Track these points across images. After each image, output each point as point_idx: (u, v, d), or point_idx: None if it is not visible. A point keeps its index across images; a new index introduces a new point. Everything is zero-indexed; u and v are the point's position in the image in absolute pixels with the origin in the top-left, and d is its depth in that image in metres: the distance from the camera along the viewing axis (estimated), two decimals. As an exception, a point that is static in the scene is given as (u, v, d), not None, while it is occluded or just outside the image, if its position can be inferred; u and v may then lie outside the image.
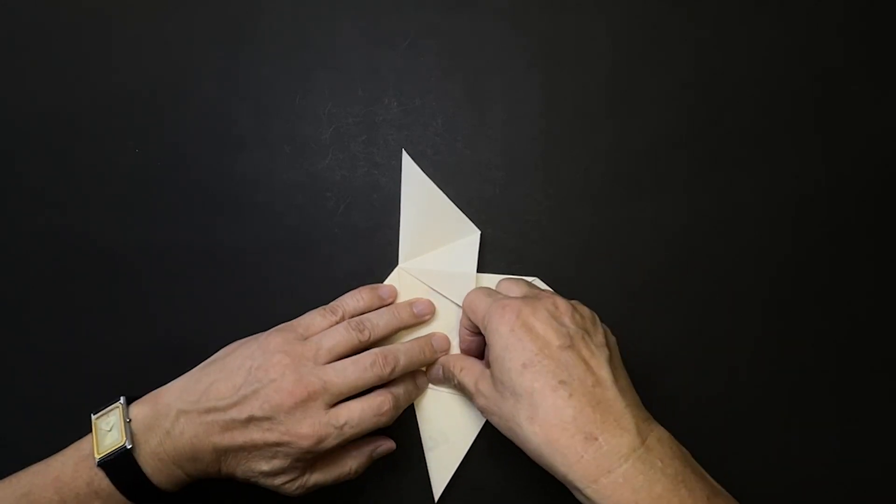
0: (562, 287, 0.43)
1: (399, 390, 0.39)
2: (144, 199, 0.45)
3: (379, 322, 0.40)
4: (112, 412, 0.36)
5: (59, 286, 0.45)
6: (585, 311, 0.37)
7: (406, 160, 0.42)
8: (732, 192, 0.44)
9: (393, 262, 0.44)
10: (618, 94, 0.44)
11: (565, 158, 0.44)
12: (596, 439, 0.32)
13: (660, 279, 0.44)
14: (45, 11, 0.46)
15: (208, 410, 0.35)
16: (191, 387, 0.36)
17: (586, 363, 0.34)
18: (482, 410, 0.37)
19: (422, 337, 0.42)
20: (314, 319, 0.39)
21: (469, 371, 0.39)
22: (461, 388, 0.39)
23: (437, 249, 0.43)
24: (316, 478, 0.38)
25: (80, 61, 0.45)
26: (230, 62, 0.45)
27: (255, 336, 0.38)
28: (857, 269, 0.44)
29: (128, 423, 0.35)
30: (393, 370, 0.38)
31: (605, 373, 0.34)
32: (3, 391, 0.45)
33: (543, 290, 0.40)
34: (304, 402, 0.35)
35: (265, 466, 0.36)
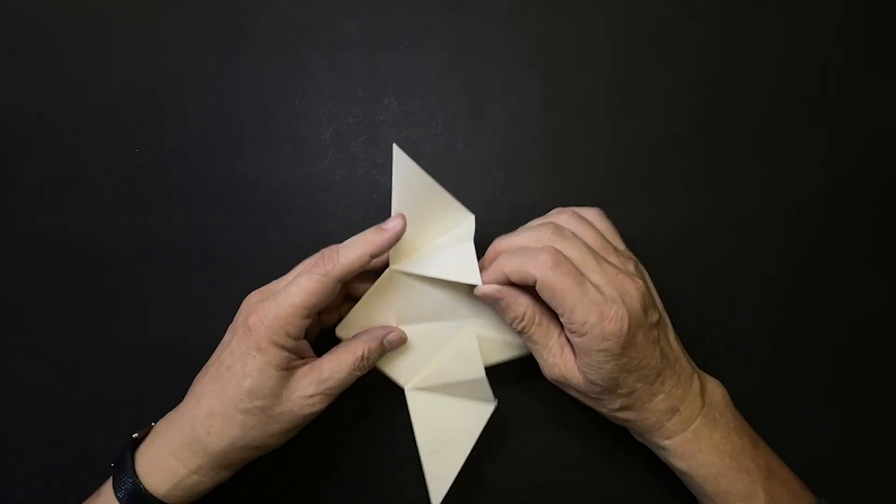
0: (562, 287, 0.43)
1: (370, 343, 0.38)
2: (144, 199, 0.45)
3: (341, 248, 0.36)
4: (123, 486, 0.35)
5: (58, 286, 0.45)
6: (645, 276, 0.38)
7: (398, 153, 0.38)
8: (732, 192, 0.44)
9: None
10: (618, 94, 0.44)
11: (565, 158, 0.44)
12: (678, 411, 0.36)
13: (659, 279, 0.44)
14: (45, 11, 0.46)
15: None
16: (176, 435, 0.36)
17: (669, 350, 0.37)
18: (551, 378, 0.37)
19: (367, 229, 0.37)
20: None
21: (547, 333, 0.37)
22: (527, 342, 0.38)
23: (431, 242, 0.40)
24: (329, 369, 0.36)
25: (80, 61, 0.45)
26: (230, 62, 0.45)
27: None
28: (856, 268, 0.44)
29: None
30: (333, 268, 0.35)
31: (676, 346, 0.37)
32: (2, 391, 0.45)
33: (593, 243, 0.37)
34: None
35: (246, 381, 0.35)
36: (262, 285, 0.44)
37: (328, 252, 0.36)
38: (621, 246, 0.39)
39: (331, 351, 0.37)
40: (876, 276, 0.44)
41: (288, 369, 0.35)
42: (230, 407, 0.35)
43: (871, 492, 0.43)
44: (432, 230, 0.40)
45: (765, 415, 0.43)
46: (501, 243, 0.38)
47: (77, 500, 0.44)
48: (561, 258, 0.35)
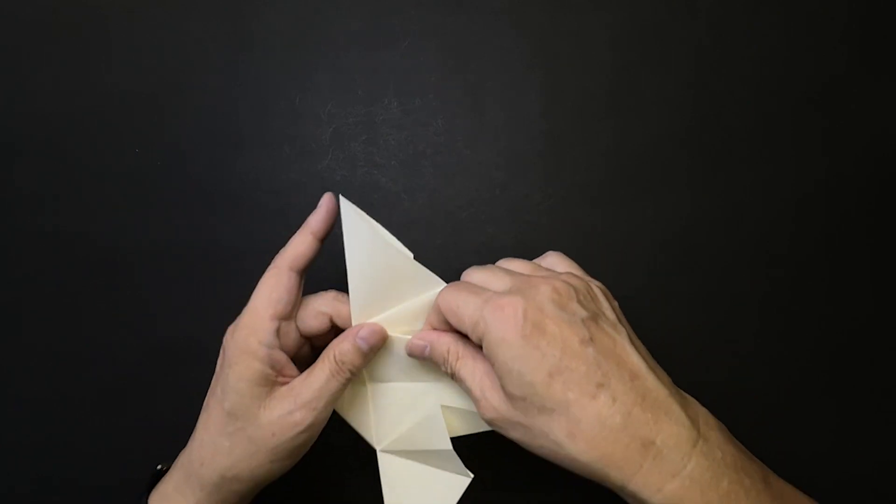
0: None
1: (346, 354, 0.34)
2: (144, 199, 0.45)
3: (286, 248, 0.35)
4: None
5: (58, 286, 0.45)
6: (580, 283, 0.32)
7: (345, 204, 0.34)
8: (733, 191, 0.44)
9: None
10: (618, 94, 0.44)
11: (565, 158, 0.44)
12: (653, 443, 0.28)
13: (660, 279, 0.44)
14: (45, 11, 0.46)
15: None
16: (179, 470, 0.35)
17: (614, 355, 0.30)
18: (491, 424, 0.32)
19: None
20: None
21: (471, 365, 0.32)
22: (458, 382, 0.33)
23: (396, 307, 0.35)
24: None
25: (80, 61, 0.45)
26: (230, 62, 0.45)
27: None
28: (857, 268, 0.44)
29: None
30: (283, 251, 0.35)
31: (635, 359, 0.30)
32: (2, 391, 0.45)
33: (521, 269, 0.34)
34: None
35: (242, 383, 0.33)
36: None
37: (281, 250, 0.36)
38: (577, 272, 0.35)
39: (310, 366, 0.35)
40: (877, 275, 0.44)
41: (265, 386, 0.33)
42: (216, 434, 0.33)
43: (872, 492, 0.43)
44: (396, 293, 0.35)
45: (766, 414, 0.43)
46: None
47: (77, 500, 0.44)
48: (459, 283, 0.34)
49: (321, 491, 0.44)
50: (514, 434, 0.31)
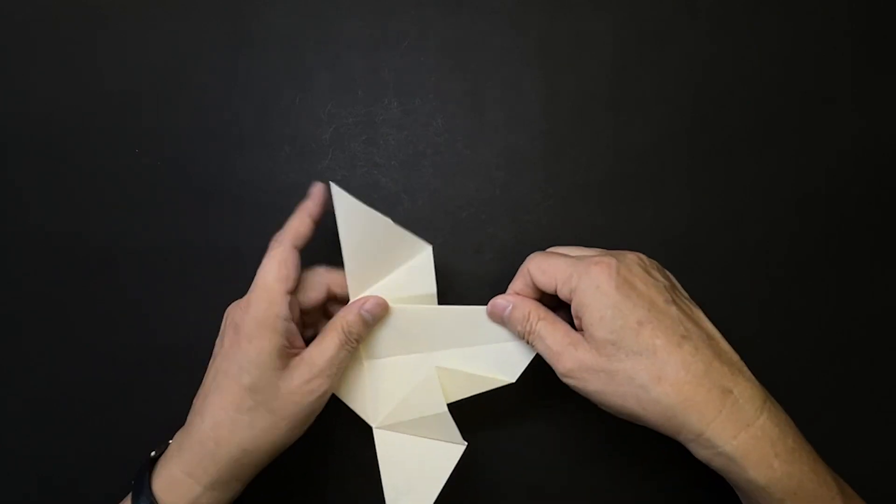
0: (562, 287, 0.43)
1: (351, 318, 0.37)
2: (144, 199, 0.45)
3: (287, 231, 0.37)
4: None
5: (57, 286, 0.45)
6: (645, 257, 0.36)
7: (336, 190, 0.36)
8: (733, 191, 0.44)
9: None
10: (618, 94, 0.44)
11: (565, 158, 0.44)
12: (731, 392, 0.31)
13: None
14: (45, 11, 0.46)
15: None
16: (186, 454, 0.35)
17: (694, 318, 0.33)
18: (569, 375, 0.34)
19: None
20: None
21: (552, 325, 0.35)
22: (534, 341, 0.36)
23: (388, 276, 0.39)
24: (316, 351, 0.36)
25: (80, 61, 0.45)
26: (230, 62, 0.45)
27: None
28: (857, 268, 0.44)
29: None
30: (282, 231, 0.37)
31: (710, 325, 0.34)
32: (2, 392, 0.45)
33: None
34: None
35: (245, 378, 0.34)
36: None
37: (279, 232, 0.37)
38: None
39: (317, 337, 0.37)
40: (879, 275, 0.44)
41: (283, 358, 0.35)
42: (234, 411, 0.34)
43: (873, 492, 0.43)
44: (387, 264, 0.38)
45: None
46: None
47: (77, 501, 0.44)
48: (546, 251, 0.37)
49: (322, 488, 0.44)
50: (594, 384, 0.33)
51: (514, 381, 0.38)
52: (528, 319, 0.36)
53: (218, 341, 0.37)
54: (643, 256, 0.36)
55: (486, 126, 0.44)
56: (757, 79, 0.44)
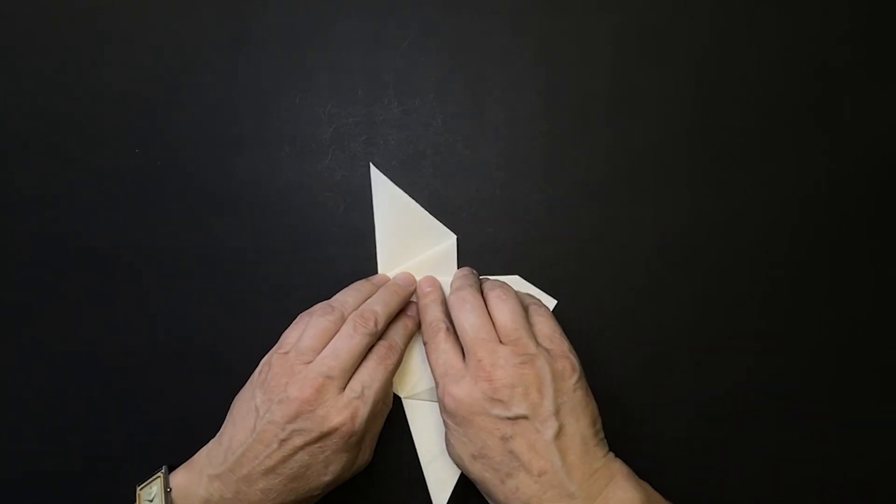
0: (562, 287, 0.43)
1: (392, 333, 0.40)
2: (144, 199, 0.45)
3: (378, 307, 0.39)
4: (154, 482, 0.36)
5: (58, 286, 0.45)
6: (546, 369, 0.36)
7: (374, 173, 0.43)
8: (733, 191, 0.44)
9: (393, 262, 0.43)
10: (618, 94, 0.44)
11: (565, 158, 0.44)
12: None
13: (660, 279, 0.44)
14: (45, 11, 0.46)
15: (237, 465, 0.35)
16: (214, 449, 0.37)
17: (528, 454, 0.34)
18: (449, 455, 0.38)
19: (389, 282, 0.42)
20: (308, 325, 0.38)
21: (444, 369, 0.38)
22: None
23: (414, 259, 0.43)
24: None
25: (80, 61, 0.45)
26: (230, 62, 0.45)
27: (249, 379, 0.39)
28: (857, 268, 0.44)
29: (168, 492, 0.35)
30: (376, 322, 0.38)
31: (549, 459, 0.34)
32: (2, 392, 0.45)
33: (506, 320, 0.38)
34: (318, 398, 0.35)
35: (327, 477, 0.36)
36: (261, 285, 0.44)
37: (387, 344, 0.39)
38: (552, 334, 0.39)
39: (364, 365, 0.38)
40: (878, 275, 0.44)
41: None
42: (304, 497, 0.36)
43: (873, 492, 0.43)
44: (415, 247, 0.43)
45: (766, 415, 0.43)
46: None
47: (78, 501, 0.44)
48: (443, 333, 0.39)
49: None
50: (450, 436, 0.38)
51: None
52: (427, 354, 0.39)
53: (259, 371, 0.38)
54: (506, 382, 0.35)
55: (486, 126, 0.44)
56: (757, 79, 0.44)
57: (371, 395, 0.37)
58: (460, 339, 0.38)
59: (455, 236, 0.43)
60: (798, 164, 0.44)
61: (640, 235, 0.44)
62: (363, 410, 0.36)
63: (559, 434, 0.35)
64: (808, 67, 0.44)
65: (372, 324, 0.38)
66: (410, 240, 0.43)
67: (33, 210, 0.45)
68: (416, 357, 0.42)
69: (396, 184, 0.44)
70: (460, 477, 0.42)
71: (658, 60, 0.44)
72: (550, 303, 0.43)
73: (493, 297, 0.39)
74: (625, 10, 0.45)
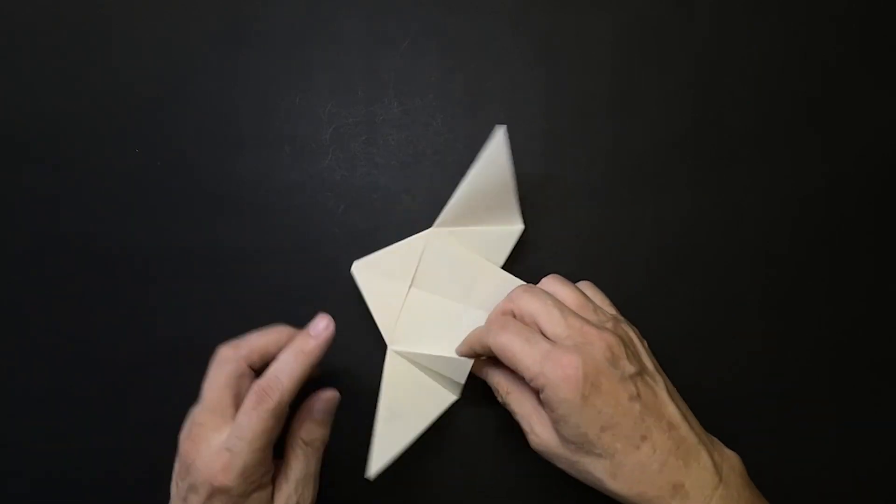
0: (562, 287, 0.43)
1: (275, 368, 0.34)
2: (144, 198, 0.45)
3: (280, 375, 0.34)
4: None
5: (58, 286, 0.45)
6: (629, 334, 0.35)
7: (499, 137, 0.38)
8: (733, 192, 0.44)
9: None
10: (618, 94, 0.44)
11: (566, 158, 0.44)
12: (682, 486, 0.32)
13: (660, 279, 0.44)
14: (45, 11, 0.46)
15: None
16: None
17: (656, 409, 0.33)
18: (537, 450, 0.35)
19: (295, 339, 0.35)
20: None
21: (520, 401, 0.36)
22: (509, 410, 0.37)
23: (477, 226, 0.41)
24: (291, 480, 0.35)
25: (80, 61, 0.45)
26: (230, 62, 0.45)
27: None
28: (857, 267, 0.44)
29: None
30: (281, 397, 0.33)
31: (672, 410, 0.34)
32: (2, 392, 0.45)
33: (569, 300, 0.36)
34: (195, 448, 0.33)
35: None
36: (261, 285, 0.44)
37: (265, 384, 0.33)
38: (610, 310, 0.38)
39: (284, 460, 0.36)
40: (878, 275, 0.44)
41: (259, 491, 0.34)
42: None
43: (873, 492, 0.43)
44: (485, 216, 0.40)
45: (766, 415, 0.43)
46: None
47: (78, 501, 0.44)
48: (507, 320, 0.36)
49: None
50: (559, 464, 0.35)
51: None
52: (500, 393, 0.37)
53: (184, 476, 0.34)
54: (613, 341, 0.34)
55: (486, 126, 0.44)
56: (757, 79, 0.44)
57: (243, 445, 0.32)
58: (538, 324, 0.35)
59: (522, 226, 0.41)
60: (798, 164, 0.44)
61: (640, 235, 0.44)
62: (236, 462, 0.32)
63: (666, 386, 0.35)
64: (807, 67, 0.44)
65: (276, 399, 0.33)
66: (489, 204, 0.40)
67: (33, 210, 0.45)
68: (426, 316, 0.40)
69: (396, 184, 0.44)
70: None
71: (658, 60, 0.44)
72: None
73: (549, 283, 0.38)
74: (625, 9, 0.45)
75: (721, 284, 0.44)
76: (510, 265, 0.43)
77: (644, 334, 0.44)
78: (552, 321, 0.34)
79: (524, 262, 0.44)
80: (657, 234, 0.44)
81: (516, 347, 0.34)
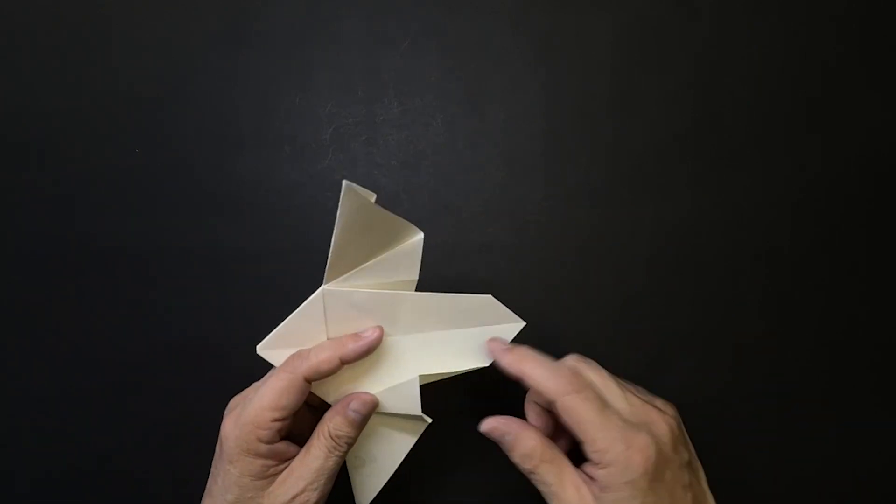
0: (561, 288, 0.43)
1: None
2: (144, 198, 0.45)
3: (313, 348, 0.35)
4: None
5: (58, 286, 0.45)
6: (678, 417, 0.34)
7: (347, 188, 0.33)
8: (733, 191, 0.44)
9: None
10: (618, 94, 0.44)
11: (566, 158, 0.44)
12: None
13: (660, 279, 0.44)
14: (45, 11, 0.46)
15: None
16: None
17: (704, 494, 0.33)
18: None
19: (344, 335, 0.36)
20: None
21: (558, 471, 0.33)
22: (535, 481, 0.33)
23: (372, 260, 0.36)
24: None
25: (81, 61, 0.45)
26: (230, 62, 0.45)
27: None
28: (856, 267, 0.44)
29: None
30: (307, 369, 0.34)
31: (709, 495, 0.34)
32: (3, 392, 0.45)
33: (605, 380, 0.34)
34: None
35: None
36: (261, 285, 0.44)
37: (301, 351, 0.35)
38: (644, 395, 0.36)
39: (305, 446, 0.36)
40: (877, 274, 0.44)
41: (267, 477, 0.34)
42: None
43: (873, 492, 0.43)
44: (376, 246, 0.36)
45: (766, 414, 0.43)
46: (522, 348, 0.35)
47: (81, 501, 0.44)
48: (583, 381, 0.33)
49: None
50: None
51: (487, 365, 0.37)
52: (533, 459, 0.33)
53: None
54: (674, 424, 0.33)
55: (486, 126, 0.44)
56: (757, 79, 0.44)
57: (255, 399, 0.34)
58: (576, 400, 0.32)
59: (422, 233, 0.36)
60: (798, 164, 0.44)
61: (640, 235, 0.44)
62: (246, 413, 0.33)
63: (706, 475, 0.34)
64: (807, 67, 0.44)
65: (297, 362, 0.34)
66: (369, 241, 0.35)
67: (33, 210, 0.45)
68: (367, 362, 0.37)
69: (396, 184, 0.44)
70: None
71: (658, 60, 0.44)
72: (519, 325, 0.37)
73: (573, 360, 0.36)
74: (625, 9, 0.45)
75: (721, 284, 0.44)
76: (508, 271, 0.43)
77: (644, 335, 0.44)
78: (612, 395, 0.33)
79: (524, 263, 0.44)
80: (657, 234, 0.44)
81: (590, 414, 0.31)
